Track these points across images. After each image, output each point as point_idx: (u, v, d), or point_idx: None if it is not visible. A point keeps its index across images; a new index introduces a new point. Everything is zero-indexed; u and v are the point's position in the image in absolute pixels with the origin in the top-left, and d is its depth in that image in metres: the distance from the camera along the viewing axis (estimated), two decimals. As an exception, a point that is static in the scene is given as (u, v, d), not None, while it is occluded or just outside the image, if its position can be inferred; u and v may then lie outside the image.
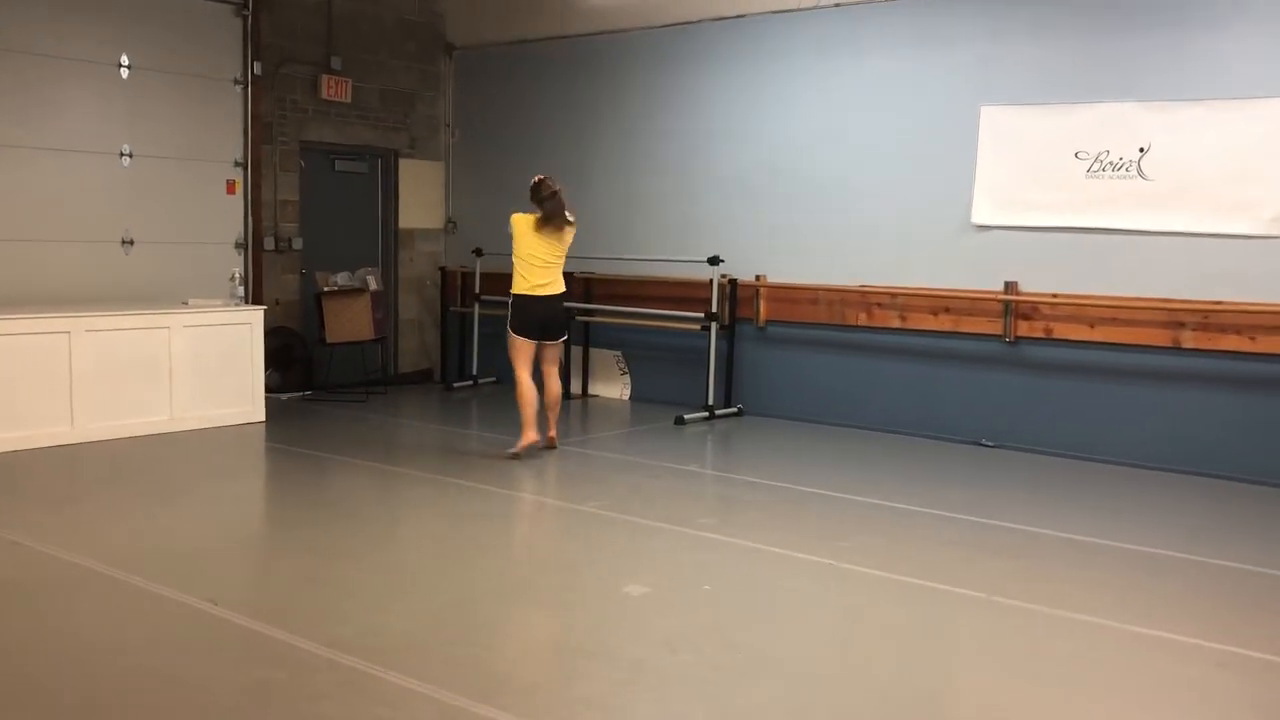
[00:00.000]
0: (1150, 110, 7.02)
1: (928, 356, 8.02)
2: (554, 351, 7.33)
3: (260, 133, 9.20)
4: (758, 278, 8.76)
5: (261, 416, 8.14)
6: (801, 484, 6.48)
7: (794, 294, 8.60)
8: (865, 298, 8.25)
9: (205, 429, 7.77)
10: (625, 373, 9.65)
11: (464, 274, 10.33)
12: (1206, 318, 6.92)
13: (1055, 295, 7.44)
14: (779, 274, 8.67)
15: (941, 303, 7.90)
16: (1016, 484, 6.67)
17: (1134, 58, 7.09)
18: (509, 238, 7.21)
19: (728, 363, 8.86)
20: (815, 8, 8.37)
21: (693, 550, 5.17)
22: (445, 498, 6.29)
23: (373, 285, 9.29)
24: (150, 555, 4.94)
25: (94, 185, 8.25)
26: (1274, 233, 6.68)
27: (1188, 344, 6.99)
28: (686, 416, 8.53)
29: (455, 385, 10.10)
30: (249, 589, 4.72)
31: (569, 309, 7.60)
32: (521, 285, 7.11)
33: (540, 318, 7.12)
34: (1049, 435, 7.49)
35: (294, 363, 9.46)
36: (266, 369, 8.42)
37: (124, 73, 8.36)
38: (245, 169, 9.13)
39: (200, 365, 7.80)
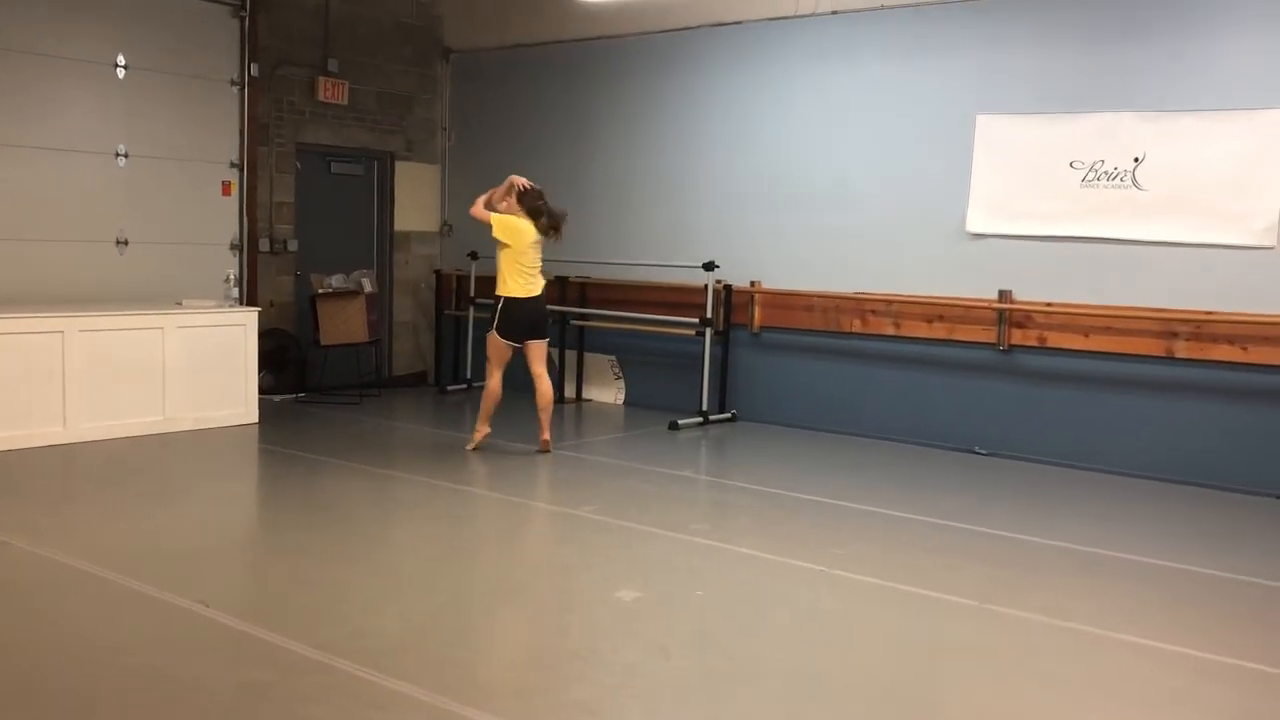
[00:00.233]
0: (1145, 120, 7.05)
1: (922, 364, 8.04)
2: (542, 351, 7.40)
3: (256, 134, 9.20)
4: (753, 283, 8.77)
5: (255, 418, 8.13)
6: (795, 490, 6.49)
7: (789, 300, 8.61)
8: (860, 304, 8.26)
9: (199, 430, 7.76)
10: (620, 377, 9.66)
11: (459, 277, 10.33)
12: (1199, 328, 6.94)
13: (1049, 304, 7.46)
14: (774, 280, 8.68)
15: (936, 310, 7.92)
16: (1009, 492, 6.68)
17: (1129, 68, 7.12)
18: (495, 240, 7.23)
19: (722, 368, 8.86)
20: (812, 15, 8.39)
21: (686, 556, 5.17)
22: (438, 501, 6.29)
23: (368, 288, 9.29)
24: (142, 556, 4.93)
25: (89, 185, 8.23)
26: (1267, 243, 6.70)
27: (1181, 354, 7.01)
28: (681, 422, 8.54)
29: (449, 388, 10.10)
30: (241, 590, 4.71)
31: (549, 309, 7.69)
32: (514, 289, 7.17)
33: (530, 319, 7.24)
34: (1042, 444, 7.51)
35: (288, 364, 9.45)
36: (260, 370, 8.41)
37: (121, 73, 8.35)
38: (241, 170, 9.12)
39: (194, 366, 7.79)
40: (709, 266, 8.61)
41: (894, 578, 4.87)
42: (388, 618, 4.21)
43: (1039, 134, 7.43)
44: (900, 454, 7.71)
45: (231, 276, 8.52)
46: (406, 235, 10.48)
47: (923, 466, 7.34)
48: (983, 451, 7.70)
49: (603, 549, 5.25)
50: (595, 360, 9.73)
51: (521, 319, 7.20)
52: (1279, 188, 6.64)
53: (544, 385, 7.35)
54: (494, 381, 7.30)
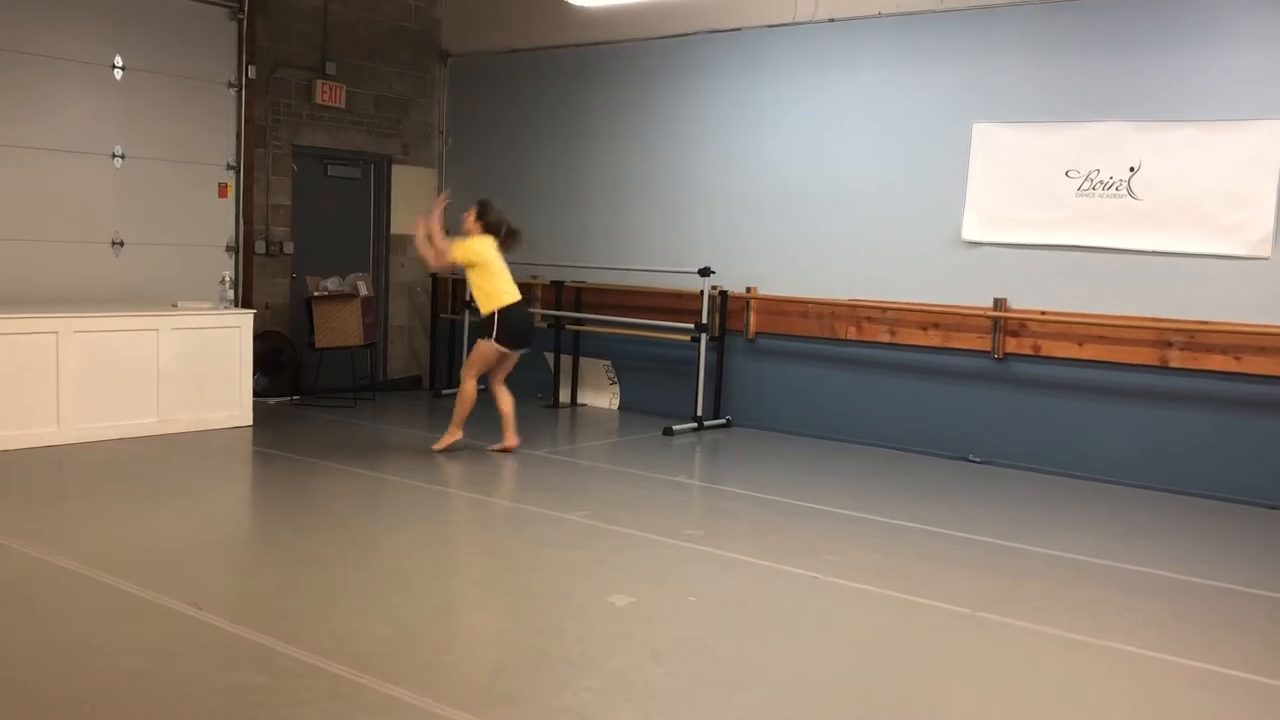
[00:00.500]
0: (1141, 130, 7.07)
1: (916, 371, 8.04)
2: (515, 362, 7.51)
3: (253, 136, 9.20)
4: (748, 289, 8.77)
5: (249, 420, 8.12)
6: (788, 497, 6.49)
7: (784, 306, 8.62)
8: (855, 312, 8.27)
9: (192, 432, 7.75)
10: (614, 382, 9.66)
11: (455, 281, 10.33)
12: (1193, 337, 6.95)
13: (1044, 312, 7.47)
14: (769, 286, 8.69)
15: (931, 318, 7.93)
16: (1002, 500, 6.69)
17: (1126, 78, 7.14)
18: (461, 246, 7.32)
19: (717, 374, 8.87)
20: (810, 22, 8.40)
21: (679, 562, 5.17)
22: (431, 504, 6.29)
23: (363, 291, 9.29)
24: (134, 557, 4.92)
25: (85, 186, 8.23)
26: (1261, 254, 6.72)
27: (1174, 363, 7.03)
28: (675, 427, 8.54)
29: (444, 392, 10.09)
30: (233, 593, 4.70)
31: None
32: (506, 299, 7.28)
33: (522, 327, 7.39)
34: (1036, 452, 7.52)
35: (283, 367, 9.44)
36: (255, 373, 8.41)
37: (118, 74, 8.35)
38: (238, 172, 9.12)
39: (188, 368, 7.79)
40: (705, 272, 8.62)
41: (887, 585, 4.87)
42: (379, 621, 4.20)
43: (1035, 143, 7.45)
44: (894, 461, 7.72)
45: (227, 278, 8.51)
46: (403, 238, 10.48)
47: (917, 474, 7.35)
48: (977, 459, 7.71)
49: (596, 554, 5.25)
50: (590, 365, 9.73)
51: (516, 327, 7.31)
52: (1274, 198, 6.66)
53: (507, 392, 7.52)
54: (471, 387, 7.42)
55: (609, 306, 9.49)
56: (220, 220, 9.08)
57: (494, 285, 7.28)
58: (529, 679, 3.75)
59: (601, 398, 9.72)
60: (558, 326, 9.57)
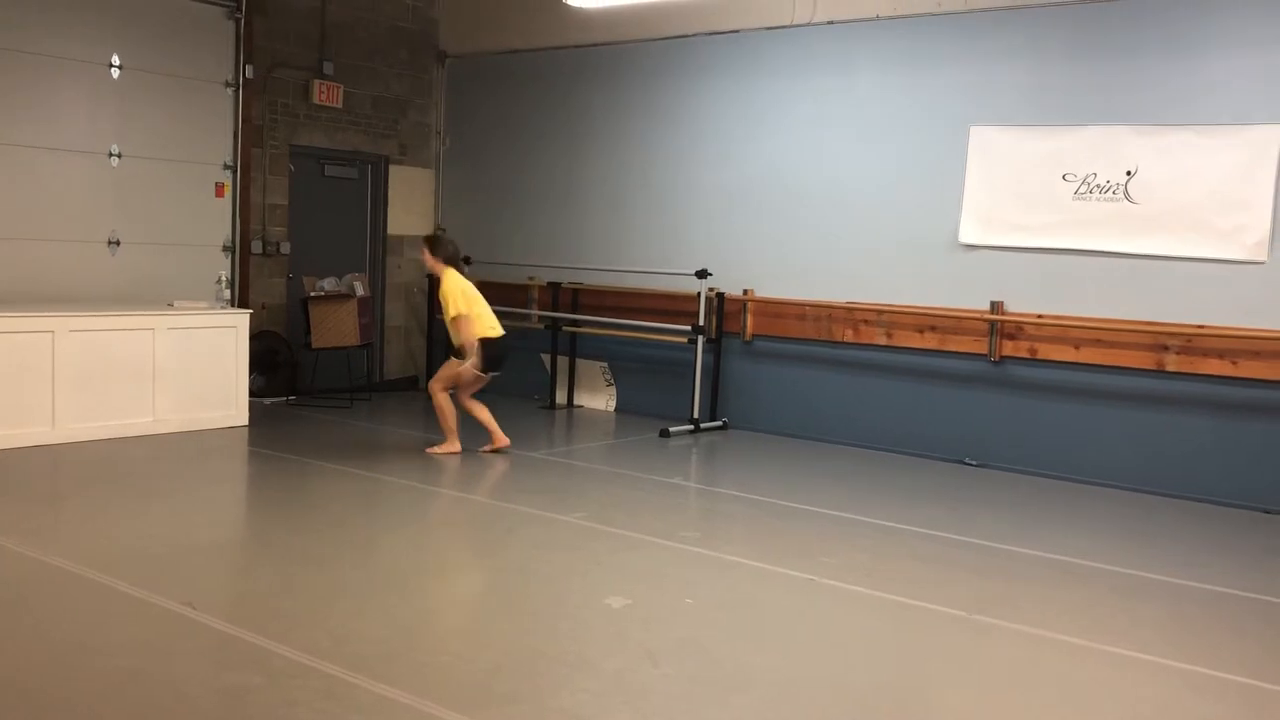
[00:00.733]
0: (1138, 134, 7.07)
1: (913, 374, 8.04)
2: (484, 384, 7.59)
3: (250, 136, 9.19)
4: (745, 292, 8.77)
5: (245, 420, 8.11)
6: (785, 499, 6.49)
7: (781, 309, 8.62)
8: (852, 314, 8.27)
9: (188, 432, 7.74)
10: (611, 384, 9.65)
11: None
12: (1190, 341, 6.96)
13: (1040, 316, 7.47)
14: (766, 289, 8.69)
15: (927, 321, 7.93)
16: (999, 503, 6.69)
17: (1123, 82, 7.15)
18: (448, 296, 7.30)
19: (714, 376, 8.87)
20: (808, 25, 8.41)
21: (675, 563, 5.17)
22: (427, 505, 6.28)
23: (360, 291, 9.28)
24: (128, 557, 4.91)
25: (82, 185, 8.22)
26: (1258, 258, 6.73)
27: (1171, 367, 7.03)
28: (671, 429, 8.54)
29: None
30: (227, 593, 4.69)
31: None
32: (489, 330, 7.36)
33: (501, 353, 7.47)
34: (1032, 455, 7.52)
35: (279, 367, 9.43)
36: (251, 373, 8.39)
37: (115, 73, 8.34)
38: (235, 172, 9.11)
39: (184, 368, 7.77)
40: (702, 274, 8.62)
41: (883, 587, 4.87)
42: (375, 622, 4.19)
43: (1032, 146, 7.46)
44: (891, 464, 7.72)
45: (223, 278, 8.50)
46: (399, 239, 10.47)
47: (913, 477, 7.34)
48: (973, 462, 7.71)
49: (592, 556, 5.24)
50: (587, 367, 9.73)
51: (498, 354, 7.42)
52: (1270, 203, 6.67)
53: (478, 402, 7.56)
54: (445, 398, 7.45)
55: (606, 308, 9.48)
56: (217, 220, 9.07)
57: (483, 312, 7.36)
58: (525, 680, 3.74)
59: (598, 399, 9.71)
60: (554, 328, 9.57)
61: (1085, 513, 6.54)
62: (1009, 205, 7.56)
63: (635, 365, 9.47)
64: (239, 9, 9.00)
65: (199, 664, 3.75)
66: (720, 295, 8.79)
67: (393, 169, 10.36)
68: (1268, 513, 6.64)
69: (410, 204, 10.54)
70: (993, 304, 7.64)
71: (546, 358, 9.77)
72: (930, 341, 7.94)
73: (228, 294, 8.55)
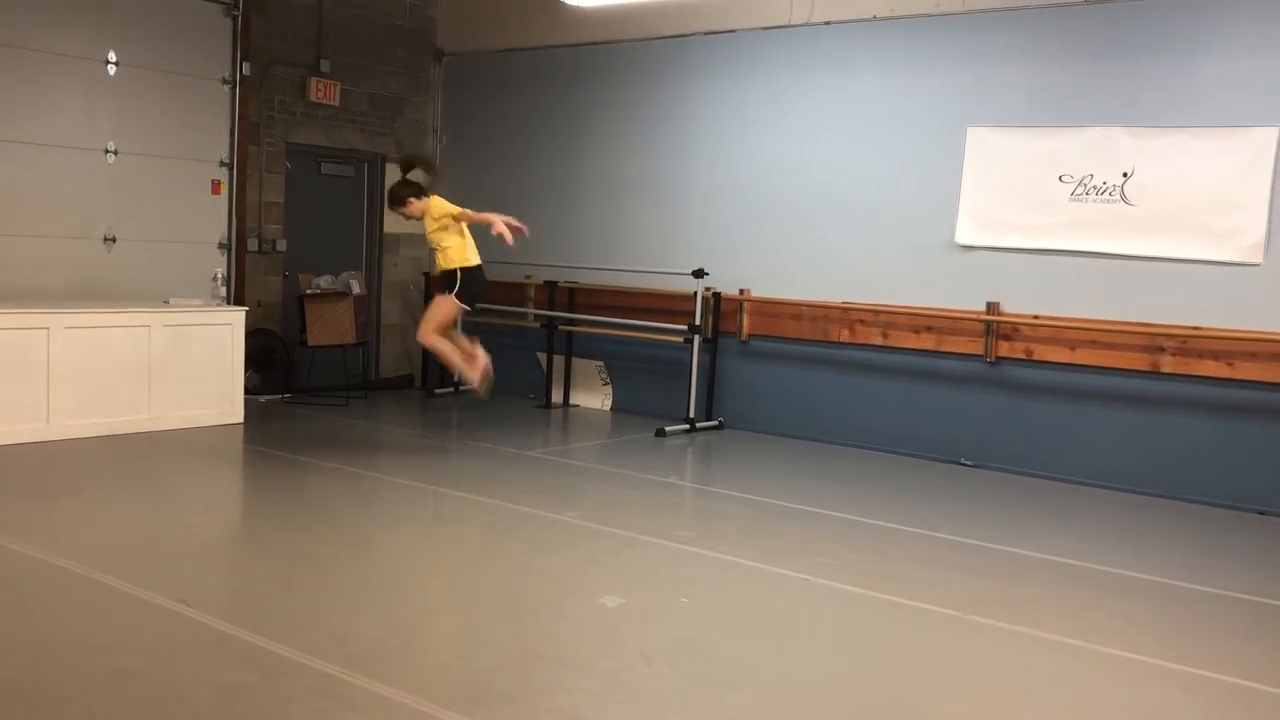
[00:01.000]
0: (1135, 136, 7.08)
1: (909, 375, 8.05)
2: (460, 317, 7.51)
3: (247, 133, 9.18)
4: (741, 291, 8.77)
5: (240, 418, 8.10)
6: (780, 499, 6.49)
7: (777, 309, 8.62)
8: (848, 314, 8.27)
9: (183, 429, 7.73)
10: (607, 383, 9.65)
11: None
12: (1185, 343, 6.97)
13: (1036, 317, 7.48)
14: (763, 288, 8.69)
15: (923, 321, 7.94)
16: (994, 504, 6.70)
17: (1120, 83, 7.16)
18: (441, 206, 7.23)
19: (710, 376, 8.87)
20: (805, 25, 8.41)
21: (670, 563, 5.17)
22: (423, 504, 6.27)
23: (356, 289, 9.27)
24: (123, 554, 4.90)
25: (78, 181, 8.20)
26: (1254, 260, 6.74)
27: (1166, 368, 7.04)
28: (667, 429, 8.54)
29: (436, 392, 10.07)
30: (222, 591, 4.69)
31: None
32: (472, 258, 7.24)
33: (482, 287, 7.40)
34: (1028, 456, 7.53)
35: (274, 365, 9.42)
36: (246, 370, 8.38)
37: (111, 69, 8.32)
38: (231, 169, 9.09)
39: (180, 365, 7.76)
40: (698, 274, 8.62)
41: (878, 587, 4.87)
42: (370, 621, 4.19)
43: (1029, 147, 7.46)
44: (886, 464, 7.73)
45: (219, 275, 8.50)
46: (396, 238, 10.46)
47: (908, 477, 7.35)
48: (969, 463, 7.72)
49: (588, 555, 5.24)
50: (582, 365, 9.73)
51: (476, 286, 7.30)
52: (1266, 205, 6.68)
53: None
54: (438, 339, 7.23)
55: (602, 307, 9.48)
56: (213, 217, 9.06)
57: (463, 241, 7.26)
58: (520, 679, 3.74)
59: (594, 399, 9.71)
60: (551, 327, 9.57)
61: (1079, 513, 6.55)
62: (1006, 206, 7.57)
63: (631, 364, 9.47)
64: (236, 6, 8.98)
65: (195, 662, 3.75)
66: (716, 295, 8.79)
67: (389, 167, 10.32)
68: (1261, 514, 6.65)
69: (407, 202, 10.51)
70: (989, 305, 7.65)
71: (542, 356, 9.77)
72: (926, 342, 7.95)
73: (223, 291, 8.55)
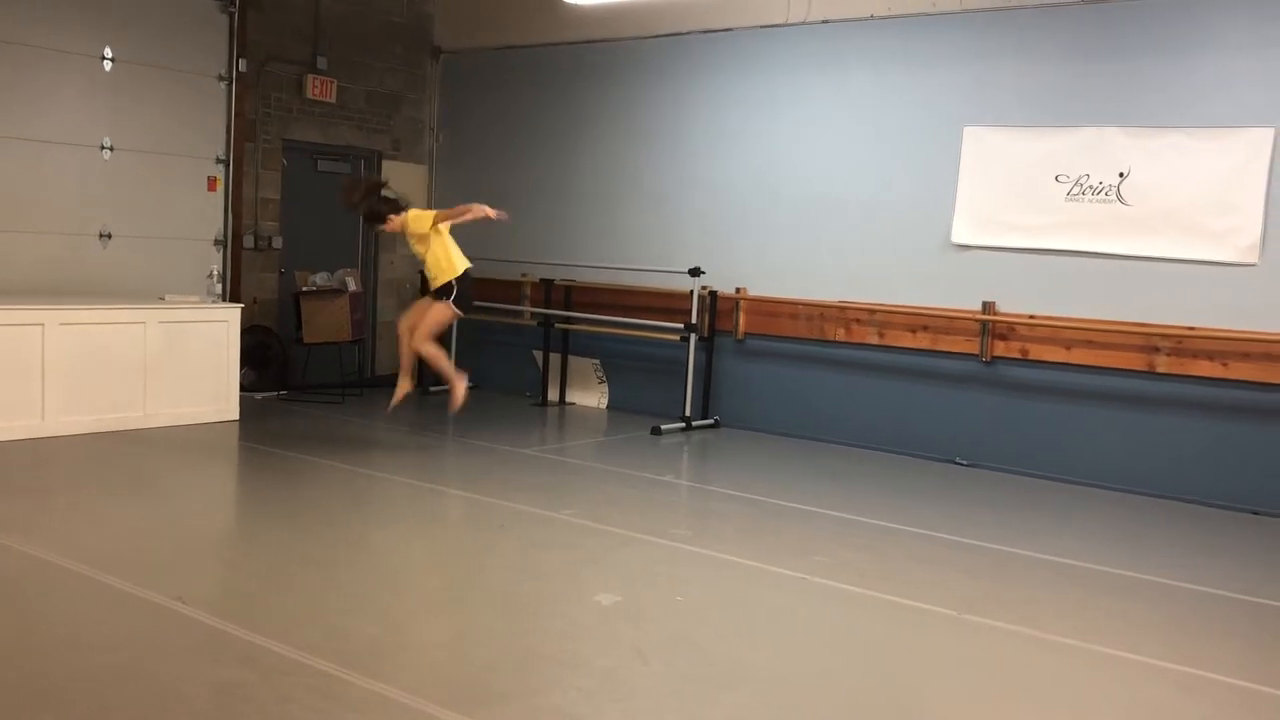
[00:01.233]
0: (1131, 136, 7.09)
1: (905, 374, 8.06)
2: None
3: (243, 130, 9.16)
4: (738, 290, 8.78)
5: (235, 415, 8.09)
6: (776, 497, 6.50)
7: (773, 307, 8.62)
8: (844, 313, 8.28)
9: (178, 426, 7.72)
10: (603, 381, 9.65)
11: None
12: (1181, 343, 6.98)
13: (1032, 316, 7.49)
14: (759, 287, 8.69)
15: (919, 321, 7.94)
16: (989, 503, 6.70)
17: (1117, 83, 7.16)
18: (422, 214, 7.25)
19: (706, 374, 8.87)
20: (802, 24, 8.41)
21: (666, 561, 5.17)
22: (418, 502, 6.27)
23: (352, 286, 9.26)
24: (118, 551, 4.89)
25: (73, 177, 8.18)
26: (1249, 260, 6.75)
27: (1162, 369, 7.05)
28: (663, 427, 8.54)
29: (432, 389, 10.06)
30: (218, 588, 4.68)
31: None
32: (460, 265, 7.24)
33: (473, 293, 7.44)
34: (1023, 455, 7.53)
35: (270, 362, 9.41)
36: (242, 367, 8.37)
37: (107, 65, 8.30)
38: (227, 166, 9.08)
39: (175, 361, 7.75)
40: (695, 272, 8.62)
41: (873, 586, 4.88)
42: (366, 619, 4.18)
43: (1025, 147, 7.47)
44: (882, 463, 7.73)
45: (215, 272, 8.48)
46: (393, 236, 10.41)
47: (904, 476, 7.36)
48: (964, 462, 7.72)
49: (583, 553, 5.24)
50: (579, 364, 9.72)
51: (469, 292, 7.32)
52: (1262, 205, 6.69)
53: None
54: (433, 346, 7.23)
55: (598, 305, 9.48)
56: (209, 214, 9.04)
57: (453, 252, 7.26)
58: (517, 677, 3.74)
59: (590, 397, 9.71)
60: (547, 325, 9.56)
61: (1075, 513, 6.56)
62: (1002, 206, 7.58)
63: (628, 363, 9.47)
64: (233, 2, 8.96)
65: (191, 660, 3.74)
66: (713, 293, 8.79)
67: (386, 164, 10.34)
68: (1256, 514, 6.66)
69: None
70: (985, 304, 7.66)
71: (539, 354, 9.76)
72: (922, 341, 7.96)
73: (219, 288, 8.53)
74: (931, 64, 7.86)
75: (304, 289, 9.04)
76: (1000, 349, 7.65)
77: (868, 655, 4.16)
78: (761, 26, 8.62)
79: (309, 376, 9.33)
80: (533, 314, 9.77)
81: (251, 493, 6.52)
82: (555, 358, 9.70)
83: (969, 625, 4.47)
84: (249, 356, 8.88)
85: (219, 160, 9.05)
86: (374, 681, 3.57)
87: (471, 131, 10.46)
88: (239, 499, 6.46)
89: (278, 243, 9.51)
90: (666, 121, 9.21)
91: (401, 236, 7.45)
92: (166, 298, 8.01)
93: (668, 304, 8.98)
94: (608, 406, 9.58)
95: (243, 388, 8.36)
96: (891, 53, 8.04)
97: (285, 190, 9.59)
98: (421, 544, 5.52)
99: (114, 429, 7.40)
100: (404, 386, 7.40)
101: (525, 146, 10.03)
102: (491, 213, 7.10)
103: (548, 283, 9.61)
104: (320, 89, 9.65)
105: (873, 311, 8.14)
